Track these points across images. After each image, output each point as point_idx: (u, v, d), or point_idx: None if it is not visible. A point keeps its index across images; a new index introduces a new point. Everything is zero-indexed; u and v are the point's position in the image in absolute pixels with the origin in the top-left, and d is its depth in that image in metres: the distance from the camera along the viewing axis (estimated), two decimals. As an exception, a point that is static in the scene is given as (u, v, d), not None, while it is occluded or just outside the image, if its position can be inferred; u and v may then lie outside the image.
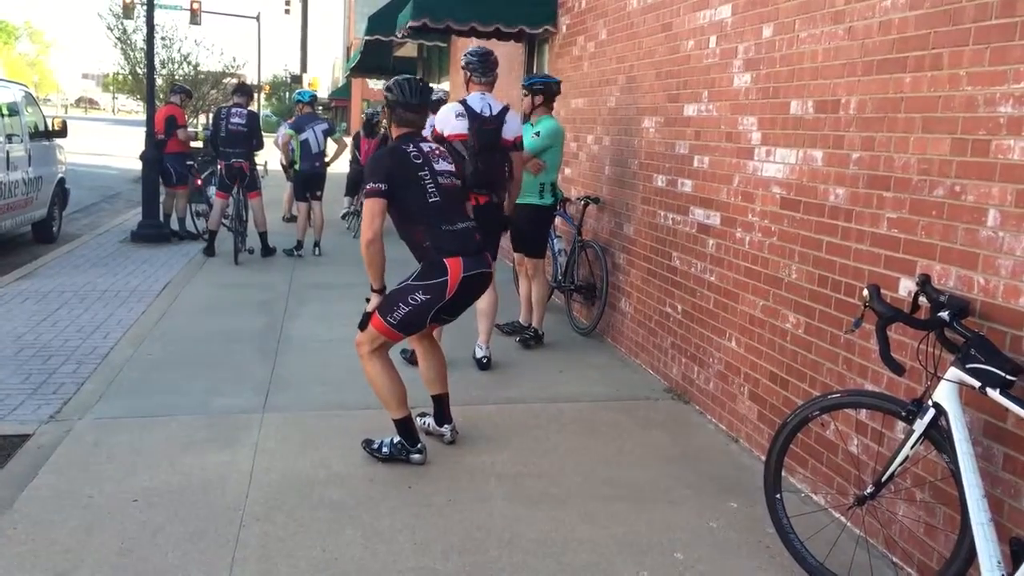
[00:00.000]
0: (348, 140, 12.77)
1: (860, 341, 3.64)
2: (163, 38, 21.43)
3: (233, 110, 9.75)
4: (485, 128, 5.36)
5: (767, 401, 4.41)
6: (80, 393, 5.09)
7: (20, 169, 9.85)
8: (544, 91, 6.29)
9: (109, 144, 28.01)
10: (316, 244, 10.24)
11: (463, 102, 5.51)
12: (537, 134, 6.10)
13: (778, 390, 4.29)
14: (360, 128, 12.84)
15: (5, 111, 9.84)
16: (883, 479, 2.95)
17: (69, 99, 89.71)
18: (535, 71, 9.19)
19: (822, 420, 3.66)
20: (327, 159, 10.40)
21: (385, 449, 4.26)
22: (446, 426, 4.55)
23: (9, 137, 9.72)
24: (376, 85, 43.85)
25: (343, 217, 12.70)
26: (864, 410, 3.50)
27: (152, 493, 3.81)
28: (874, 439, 3.52)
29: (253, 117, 9.83)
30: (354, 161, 12.64)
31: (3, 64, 74.35)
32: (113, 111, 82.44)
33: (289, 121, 12.75)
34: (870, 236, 3.60)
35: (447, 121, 5.44)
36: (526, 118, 6.34)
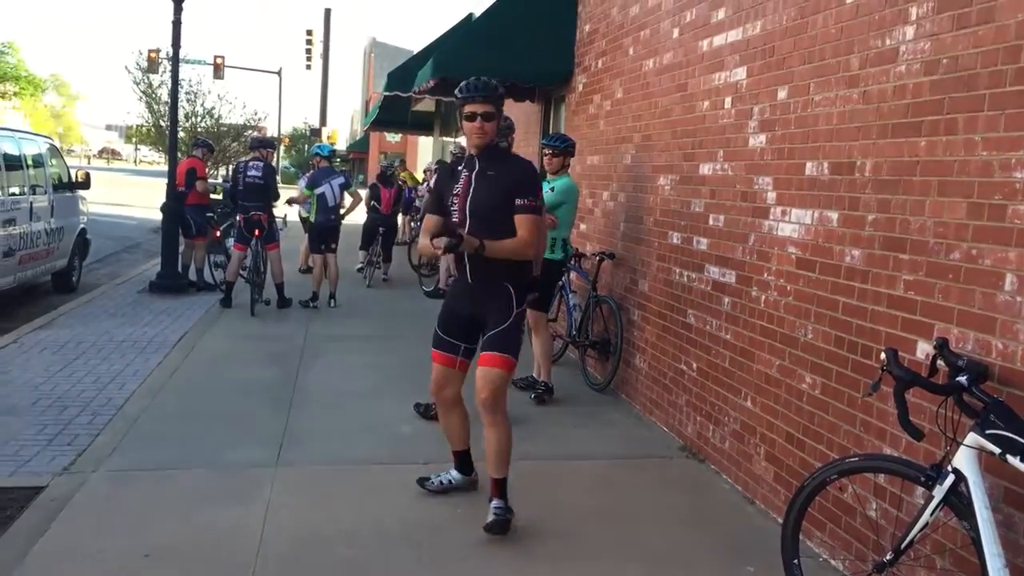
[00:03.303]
0: (364, 192, 12.92)
1: (878, 403, 3.61)
2: (187, 92, 21.90)
3: (251, 163, 9.90)
4: None
5: (784, 462, 4.36)
6: (94, 445, 5.09)
7: (43, 220, 10.00)
8: (561, 151, 6.43)
9: (129, 194, 28.41)
10: (331, 296, 10.29)
11: None
12: (551, 189, 6.21)
13: (795, 451, 4.25)
14: (376, 179, 12.99)
15: (30, 163, 10.03)
16: (902, 546, 2.90)
17: (92, 150, 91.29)
18: (552, 129, 9.31)
19: (840, 483, 3.62)
20: (342, 212, 10.52)
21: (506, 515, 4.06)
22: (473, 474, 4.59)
23: (33, 188, 9.88)
24: (394, 138, 44.55)
25: (358, 270, 12.77)
26: (883, 474, 3.46)
27: (164, 549, 3.79)
28: (893, 504, 3.47)
29: (269, 169, 9.97)
30: (372, 211, 12.77)
31: (29, 116, 75.86)
32: (135, 162, 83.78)
33: (306, 175, 12.95)
34: (887, 298, 3.60)
35: None
36: (543, 175, 6.44)
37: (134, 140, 29.14)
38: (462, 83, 4.00)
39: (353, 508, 4.33)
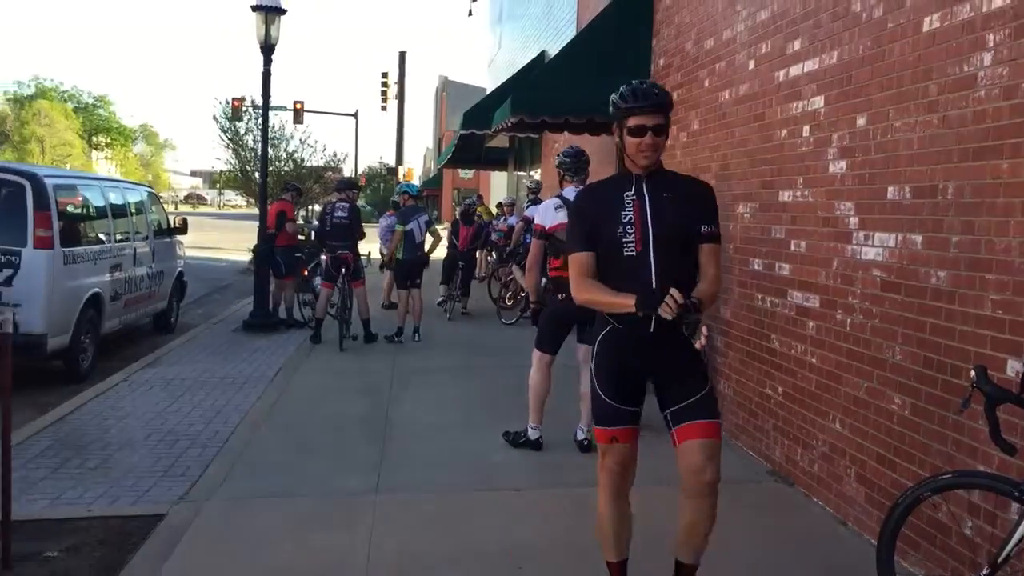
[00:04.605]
0: (439, 228, 13.30)
1: (968, 422, 3.64)
2: (271, 138, 22.71)
3: (337, 204, 10.33)
4: None
5: (875, 483, 4.39)
6: (206, 475, 5.40)
7: (145, 265, 10.56)
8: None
9: (217, 238, 29.53)
10: (416, 330, 10.58)
11: (560, 196, 5.86)
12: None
13: (886, 472, 4.28)
14: (458, 216, 13.33)
15: (133, 211, 10.63)
16: (999, 560, 2.94)
17: (179, 196, 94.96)
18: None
19: (933, 501, 3.65)
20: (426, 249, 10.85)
21: None
22: None
23: (136, 235, 10.46)
24: (466, 175, 45.29)
25: (439, 304, 13.08)
26: (976, 491, 3.49)
27: (279, 571, 4.03)
28: (988, 521, 3.49)
29: (356, 211, 10.36)
30: (451, 247, 13.10)
31: (120, 165, 79.53)
32: (219, 206, 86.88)
33: (390, 214, 13.36)
34: (974, 318, 3.64)
35: (547, 214, 5.79)
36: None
37: (218, 185, 30.32)
38: (624, 90, 3.27)
39: (452, 533, 4.51)
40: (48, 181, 8.25)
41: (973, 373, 2.96)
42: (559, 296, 5.83)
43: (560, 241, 5.67)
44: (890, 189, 4.28)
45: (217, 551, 4.26)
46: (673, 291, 2.98)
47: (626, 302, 3.11)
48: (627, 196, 3.30)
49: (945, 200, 3.85)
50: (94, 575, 3.98)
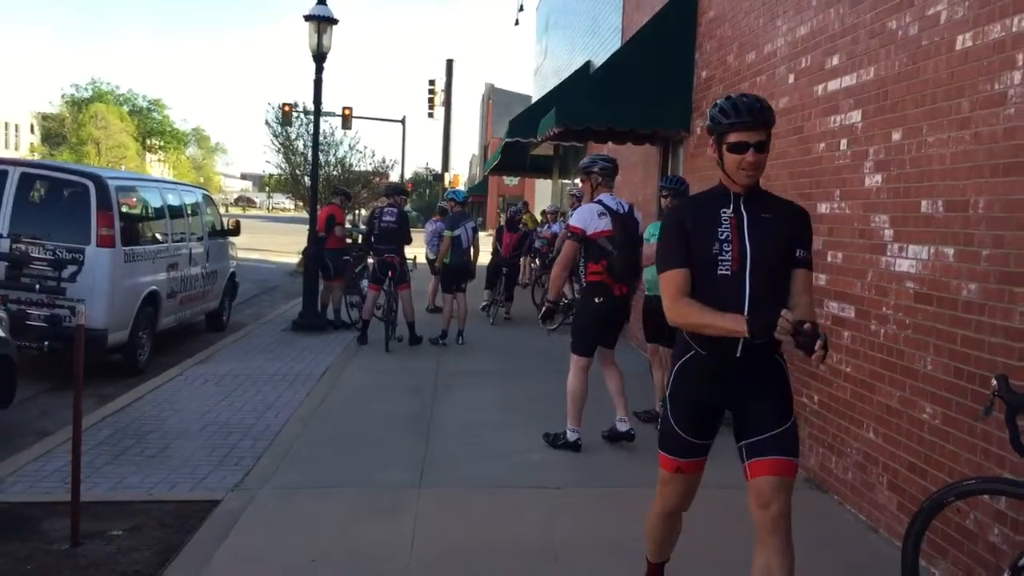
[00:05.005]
0: (483, 234, 13.53)
1: (997, 432, 3.73)
2: (321, 143, 23.06)
3: (386, 209, 10.60)
4: (628, 224, 5.97)
5: (906, 491, 4.48)
6: (258, 466, 5.66)
7: (199, 265, 10.94)
8: (681, 193, 6.72)
9: (266, 240, 30.12)
10: (460, 333, 10.81)
11: (599, 202, 6.03)
12: (670, 230, 6.51)
13: (917, 480, 4.38)
14: (504, 223, 13.53)
15: (189, 212, 11.02)
16: (1019, 564, 3.04)
17: (229, 199, 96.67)
18: (670, 171, 9.61)
19: (958, 507, 3.75)
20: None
21: None
22: None
23: (191, 236, 10.84)
24: (511, 182, 45.61)
25: (483, 308, 13.30)
26: (1003, 499, 3.59)
27: (327, 556, 4.26)
28: (1014, 529, 3.58)
29: (403, 216, 10.63)
30: (495, 253, 13.33)
31: (173, 168, 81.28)
32: (268, 209, 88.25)
33: (436, 219, 13.63)
34: (1004, 329, 3.74)
35: (591, 220, 5.95)
36: (660, 216, 6.79)
37: (267, 189, 30.88)
38: (723, 103, 3.09)
39: (492, 526, 4.70)
40: (111, 183, 8.64)
41: (995, 382, 3.07)
42: (595, 300, 6.00)
43: (603, 248, 5.86)
44: (924, 203, 4.39)
45: (269, 536, 4.50)
46: (785, 312, 2.80)
47: (735, 326, 2.90)
48: (723, 213, 3.13)
49: (976, 214, 3.96)
50: (155, 554, 4.24)
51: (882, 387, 4.76)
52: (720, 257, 3.06)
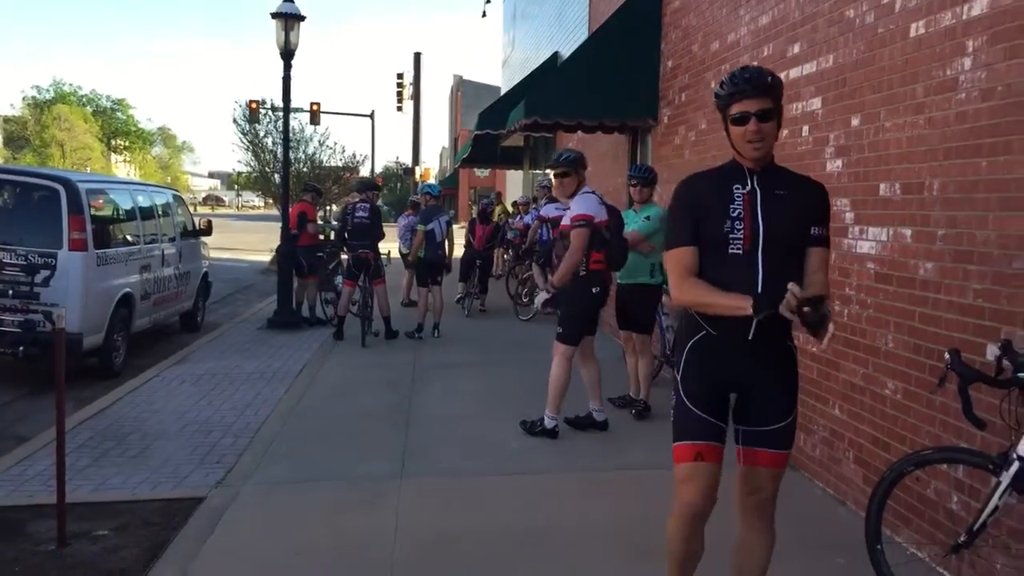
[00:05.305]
0: (455, 227, 13.60)
1: (954, 404, 3.89)
2: (291, 140, 23.02)
3: (358, 205, 10.64)
4: (615, 214, 6.27)
5: (871, 464, 4.65)
6: (240, 463, 5.72)
7: (172, 265, 10.93)
8: (650, 181, 6.85)
9: (236, 239, 29.95)
10: (435, 326, 10.89)
11: (594, 192, 6.16)
12: (647, 218, 6.64)
13: (881, 453, 4.54)
14: (476, 215, 13.60)
15: (160, 213, 11.00)
16: (975, 528, 3.20)
17: (197, 198, 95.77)
18: (638, 160, 9.74)
19: (918, 476, 3.91)
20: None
21: None
22: None
23: (163, 236, 10.82)
24: (483, 173, 45.62)
25: (457, 301, 13.39)
26: (961, 467, 3.75)
27: (313, 547, 4.34)
28: (972, 496, 3.75)
29: (376, 211, 10.67)
30: (467, 246, 13.42)
31: (139, 168, 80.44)
32: (237, 207, 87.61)
33: (409, 214, 13.70)
34: (958, 306, 3.90)
35: (597, 209, 6.12)
36: (631, 204, 6.93)
37: (236, 187, 30.73)
38: (723, 80, 3.02)
39: (475, 512, 4.82)
40: (81, 186, 8.62)
41: (948, 356, 3.22)
42: (593, 289, 6.10)
43: (603, 237, 6.00)
44: (882, 186, 4.54)
45: (255, 530, 4.58)
46: (793, 286, 2.68)
47: (741, 303, 2.80)
48: (736, 189, 3.00)
49: (931, 196, 4.11)
50: (143, 551, 4.30)
51: (847, 365, 4.92)
52: (732, 235, 2.95)
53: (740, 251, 2.94)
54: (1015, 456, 3.07)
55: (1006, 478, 3.08)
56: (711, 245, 2.98)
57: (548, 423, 6.26)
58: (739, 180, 3.02)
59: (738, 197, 2.98)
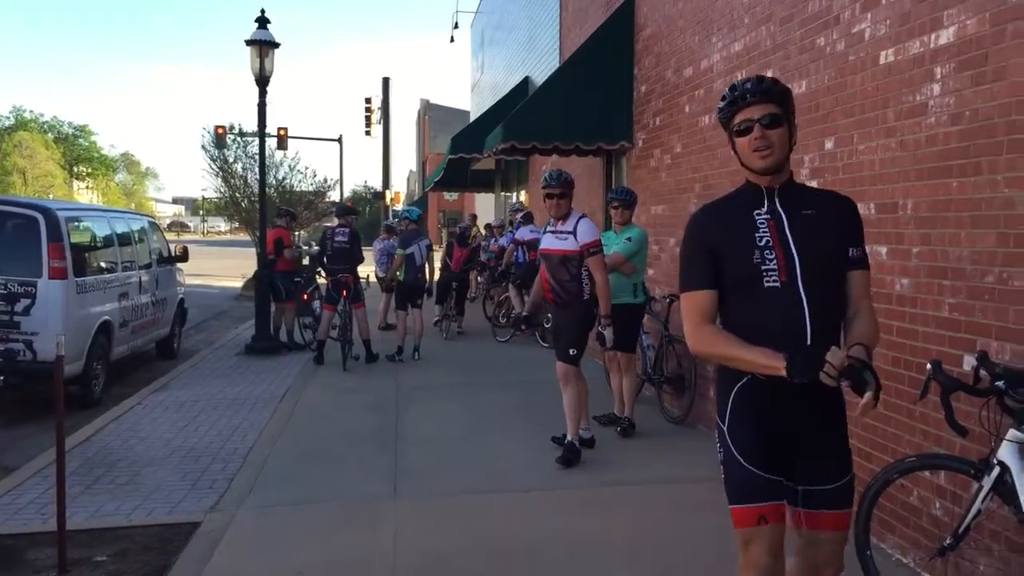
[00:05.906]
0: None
1: (934, 414, 4.07)
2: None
3: (337, 230, 10.73)
4: None
5: (856, 476, 4.79)
6: (232, 487, 5.76)
7: (149, 292, 10.91)
8: (630, 203, 6.99)
9: (206, 265, 29.76)
10: (416, 349, 10.97)
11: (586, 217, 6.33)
12: (629, 239, 6.78)
13: (864, 463, 4.70)
14: (454, 239, 13.69)
15: (137, 240, 10.99)
16: (960, 531, 3.36)
17: (162, 224, 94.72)
18: (613, 182, 9.94)
19: (902, 484, 4.07)
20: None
21: None
22: None
23: (140, 263, 10.80)
24: (451, 197, 45.76)
25: (435, 324, 13.47)
26: (943, 473, 3.92)
27: (312, 568, 4.40)
28: (955, 502, 3.92)
29: (356, 236, 10.77)
30: (444, 268, 13.52)
31: (102, 195, 79.55)
32: (203, 233, 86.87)
33: (384, 237, 13.79)
34: (934, 320, 4.09)
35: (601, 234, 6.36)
36: (609, 226, 7.13)
37: (202, 212, 30.57)
38: (726, 91, 2.73)
39: (468, 530, 4.90)
40: (60, 214, 8.62)
41: (929, 366, 3.39)
42: (596, 309, 6.22)
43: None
44: (857, 206, 4.72)
45: (253, 552, 4.63)
46: (834, 351, 2.43)
47: (773, 363, 2.49)
48: (757, 215, 2.68)
49: (905, 215, 4.31)
50: (144, 576, 4.35)
51: (827, 379, 5.08)
52: (764, 267, 2.61)
53: (778, 283, 2.61)
54: (995, 461, 3.24)
55: (988, 482, 3.24)
56: (740, 282, 2.66)
57: (584, 434, 6.45)
58: (757, 204, 2.71)
59: (762, 223, 2.67)
